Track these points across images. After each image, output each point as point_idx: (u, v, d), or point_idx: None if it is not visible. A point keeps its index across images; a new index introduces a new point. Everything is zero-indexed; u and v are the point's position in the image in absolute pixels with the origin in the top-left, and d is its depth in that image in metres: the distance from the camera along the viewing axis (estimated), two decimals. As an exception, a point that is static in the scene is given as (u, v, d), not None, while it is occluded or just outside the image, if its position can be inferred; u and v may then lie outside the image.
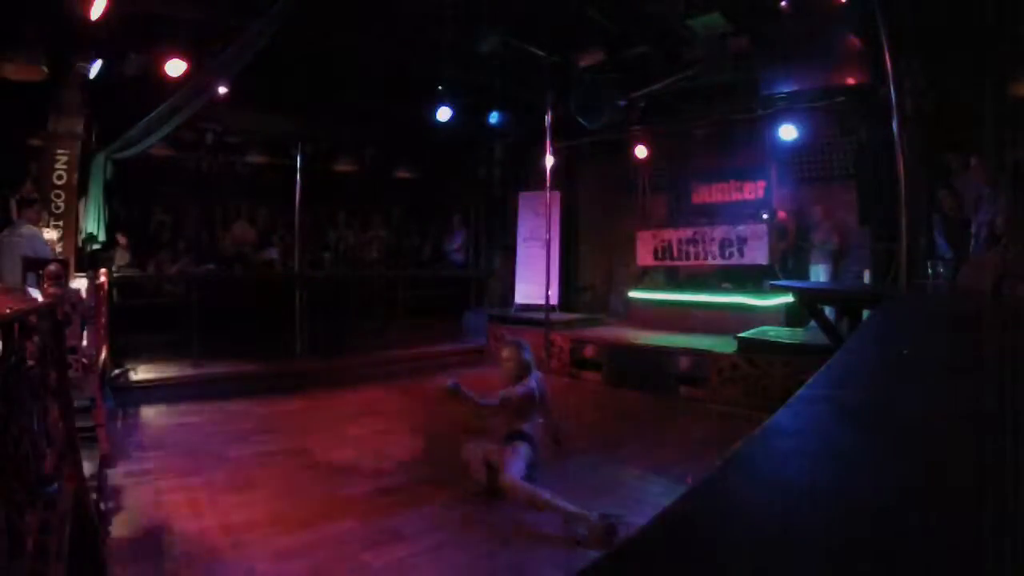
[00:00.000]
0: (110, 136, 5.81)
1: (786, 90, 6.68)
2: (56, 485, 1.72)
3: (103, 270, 5.31)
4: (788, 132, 7.14)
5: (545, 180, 7.55)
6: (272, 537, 2.95)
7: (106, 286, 5.17)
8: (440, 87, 8.01)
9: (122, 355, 5.69)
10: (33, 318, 1.76)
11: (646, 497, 3.53)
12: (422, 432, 4.78)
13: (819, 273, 7.31)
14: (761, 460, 0.70)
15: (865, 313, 4.04)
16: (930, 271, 4.55)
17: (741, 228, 7.43)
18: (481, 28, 6.63)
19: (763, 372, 5.64)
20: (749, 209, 7.98)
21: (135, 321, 6.07)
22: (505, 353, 3.71)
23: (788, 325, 6.82)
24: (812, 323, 6.48)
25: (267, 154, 8.85)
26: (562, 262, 9.00)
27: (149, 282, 7.46)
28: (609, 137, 8.49)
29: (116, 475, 3.67)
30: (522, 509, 3.18)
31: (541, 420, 3.67)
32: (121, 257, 7.32)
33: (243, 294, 7.63)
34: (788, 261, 7.56)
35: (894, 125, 4.95)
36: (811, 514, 0.55)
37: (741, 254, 7.39)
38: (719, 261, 7.61)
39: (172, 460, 4.04)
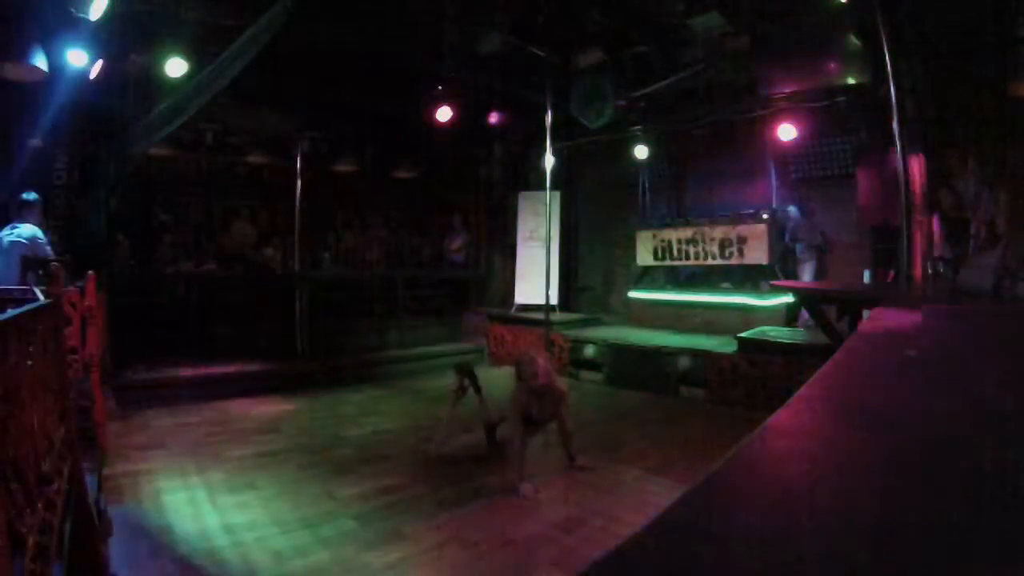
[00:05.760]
0: (110, 136, 5.81)
1: (786, 90, 6.69)
2: (56, 485, 1.71)
3: (103, 270, 5.30)
4: (788, 132, 7.14)
5: (545, 180, 7.56)
6: (272, 537, 2.95)
7: (106, 286, 5.16)
8: (440, 87, 8.01)
9: (122, 355, 5.69)
10: (33, 318, 1.76)
11: (646, 497, 3.54)
12: (422, 432, 4.78)
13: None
14: (761, 460, 0.70)
15: (865, 313, 4.03)
16: (930, 271, 4.56)
17: (741, 228, 7.43)
18: (482, 28, 6.64)
19: (763, 372, 5.64)
20: (749, 209, 7.98)
21: (135, 321, 6.07)
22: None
23: (788, 325, 6.83)
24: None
25: (267, 154, 8.85)
26: (562, 262, 9.00)
27: (149, 282, 7.45)
28: (609, 137, 8.49)
29: (116, 475, 3.67)
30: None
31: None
32: (121, 257, 7.31)
33: (243, 294, 7.63)
34: (788, 260, 7.56)
35: (894, 125, 4.95)
36: (811, 515, 0.55)
37: (741, 254, 7.39)
38: (719, 261, 7.61)
39: (172, 460, 4.05)
